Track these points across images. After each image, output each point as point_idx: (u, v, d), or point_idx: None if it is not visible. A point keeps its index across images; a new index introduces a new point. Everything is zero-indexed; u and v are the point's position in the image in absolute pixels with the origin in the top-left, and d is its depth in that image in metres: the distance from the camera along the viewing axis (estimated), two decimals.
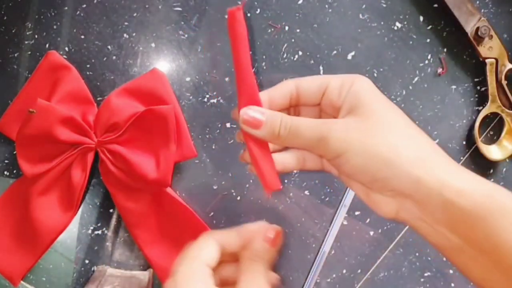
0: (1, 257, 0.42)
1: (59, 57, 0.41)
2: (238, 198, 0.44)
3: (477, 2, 0.43)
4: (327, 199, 0.44)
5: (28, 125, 0.38)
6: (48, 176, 0.40)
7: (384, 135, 0.28)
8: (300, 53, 0.43)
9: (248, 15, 0.42)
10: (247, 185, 0.44)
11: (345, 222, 0.45)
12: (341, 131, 0.28)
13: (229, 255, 0.32)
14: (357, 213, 0.45)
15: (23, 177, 0.42)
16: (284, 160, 0.33)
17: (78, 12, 0.42)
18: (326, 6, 0.43)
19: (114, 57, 0.42)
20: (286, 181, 0.44)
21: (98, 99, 0.43)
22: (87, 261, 0.44)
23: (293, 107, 0.33)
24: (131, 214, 0.41)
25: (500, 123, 0.45)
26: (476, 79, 0.44)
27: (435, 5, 0.43)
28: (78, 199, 0.40)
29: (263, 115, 0.30)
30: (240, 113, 0.30)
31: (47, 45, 0.42)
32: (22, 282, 0.43)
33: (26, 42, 0.42)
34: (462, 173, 0.28)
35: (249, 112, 0.30)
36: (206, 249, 0.31)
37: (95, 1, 0.42)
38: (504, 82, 0.43)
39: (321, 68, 0.43)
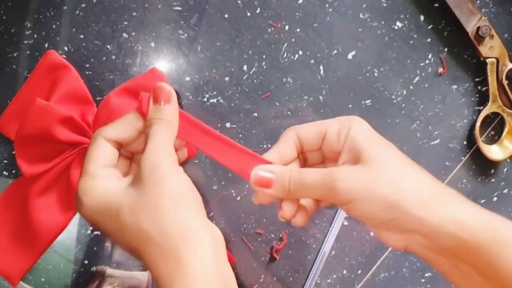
0: (0, 257, 0.42)
1: (58, 57, 0.41)
2: (238, 198, 0.44)
3: (478, 1, 0.43)
4: None
5: (27, 125, 0.38)
6: (47, 176, 0.40)
7: (388, 181, 0.30)
8: (300, 52, 0.43)
9: (248, 14, 0.42)
10: (247, 185, 0.44)
11: (345, 223, 0.45)
12: (347, 181, 0.30)
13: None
14: None
15: (22, 177, 0.42)
16: (306, 204, 0.34)
17: (77, 12, 0.42)
18: (327, 5, 0.43)
19: (113, 57, 0.42)
20: None
21: (98, 98, 0.42)
22: (86, 262, 0.44)
23: (300, 154, 0.35)
24: None
25: (501, 123, 0.44)
26: (477, 79, 0.44)
27: (436, 5, 0.43)
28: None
29: (273, 174, 0.32)
30: (251, 175, 0.32)
31: (46, 45, 0.42)
32: (21, 282, 0.43)
33: (25, 41, 0.42)
34: (464, 206, 0.30)
35: (259, 173, 0.32)
36: (100, 150, 0.32)
37: (94, 1, 0.42)
38: (505, 82, 0.43)
39: (321, 67, 0.43)
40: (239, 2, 0.42)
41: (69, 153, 0.40)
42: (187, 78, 0.43)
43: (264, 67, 0.43)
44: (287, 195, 0.32)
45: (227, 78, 0.43)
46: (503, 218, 0.30)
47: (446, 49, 0.44)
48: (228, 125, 0.43)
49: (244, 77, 0.43)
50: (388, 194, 0.29)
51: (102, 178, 0.31)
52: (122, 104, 0.40)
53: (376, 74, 0.43)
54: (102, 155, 0.32)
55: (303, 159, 0.35)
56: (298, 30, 0.42)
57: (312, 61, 0.43)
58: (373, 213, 0.30)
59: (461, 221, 0.29)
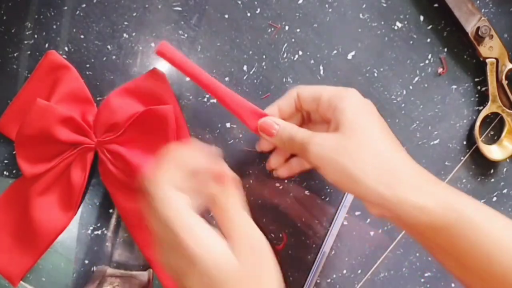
0: (0, 257, 0.42)
1: (58, 57, 0.41)
2: None
3: (478, 1, 0.43)
4: (327, 199, 0.44)
5: (27, 125, 0.38)
6: (48, 176, 0.40)
7: (355, 154, 0.31)
8: (300, 53, 0.43)
9: (248, 14, 0.42)
10: (247, 185, 0.44)
11: (345, 222, 0.45)
12: (318, 147, 0.32)
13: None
14: (357, 213, 0.45)
15: (22, 177, 0.42)
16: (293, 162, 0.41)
17: (77, 12, 0.42)
18: (326, 5, 0.43)
19: (113, 57, 0.42)
20: (286, 181, 0.44)
21: (98, 99, 0.42)
22: (86, 261, 0.44)
23: (303, 111, 0.39)
24: (131, 214, 0.41)
25: (501, 123, 0.45)
26: (476, 79, 0.44)
27: (436, 5, 0.43)
28: (78, 199, 0.40)
29: (278, 126, 0.36)
30: (260, 121, 0.37)
31: (46, 45, 0.42)
32: (21, 282, 0.43)
33: (25, 41, 0.42)
34: (427, 187, 0.31)
35: (268, 121, 0.36)
36: (170, 172, 0.30)
37: (94, 1, 0.42)
38: (504, 82, 0.43)
39: (321, 68, 0.43)
40: (239, 2, 0.42)
41: (69, 153, 0.40)
42: (187, 79, 0.43)
43: (264, 67, 0.43)
44: (282, 146, 0.36)
45: (227, 78, 0.43)
46: (473, 200, 0.31)
47: (445, 49, 0.44)
48: (228, 125, 0.43)
49: (244, 77, 0.43)
50: (351, 167, 0.31)
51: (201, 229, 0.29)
52: (123, 104, 0.40)
53: (375, 74, 0.44)
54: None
55: (307, 116, 0.39)
56: (298, 30, 0.43)
57: (312, 61, 0.43)
58: (338, 182, 0.32)
59: (419, 203, 0.30)
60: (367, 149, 0.31)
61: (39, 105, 0.37)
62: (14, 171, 0.43)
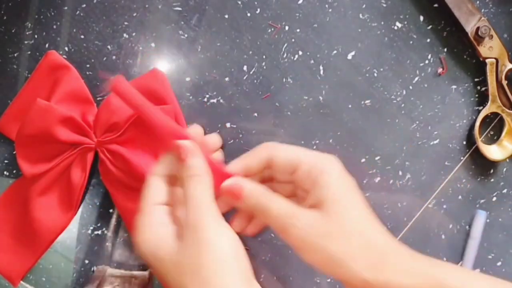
0: (0, 257, 0.42)
1: (58, 57, 0.41)
2: None
3: (477, 2, 0.43)
4: None
5: (28, 125, 0.38)
6: (48, 176, 0.40)
7: (342, 238, 0.30)
8: (300, 53, 0.43)
9: (248, 14, 0.42)
10: None
11: None
12: (301, 231, 0.31)
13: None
14: None
15: (22, 177, 0.42)
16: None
17: (77, 12, 0.42)
18: (326, 6, 0.43)
19: (114, 57, 0.42)
20: None
21: (98, 99, 0.42)
22: (86, 261, 0.44)
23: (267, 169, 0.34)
24: (131, 214, 0.41)
25: (501, 123, 0.45)
26: (476, 79, 0.44)
27: (435, 5, 0.43)
28: (78, 199, 0.40)
29: (245, 190, 0.32)
30: (223, 184, 0.33)
31: (46, 45, 0.42)
32: (21, 282, 0.43)
33: (25, 42, 0.42)
34: (413, 266, 0.31)
35: (233, 184, 0.33)
36: (152, 188, 0.32)
37: (94, 1, 0.42)
38: (504, 82, 0.43)
39: (321, 68, 0.43)
40: (239, 2, 0.42)
41: (69, 153, 0.40)
42: (187, 79, 0.43)
43: (264, 67, 0.43)
44: (249, 211, 0.33)
45: (227, 78, 0.43)
46: (461, 273, 0.31)
47: (445, 50, 0.44)
48: (228, 125, 0.43)
49: (244, 77, 0.43)
50: (337, 252, 0.30)
51: (153, 218, 0.31)
52: (123, 104, 0.40)
53: (375, 74, 0.44)
54: (152, 192, 0.32)
55: (270, 175, 0.35)
56: (298, 30, 0.43)
57: (312, 61, 0.43)
58: (320, 265, 0.31)
59: (408, 283, 0.30)
60: (353, 232, 0.30)
61: (39, 105, 0.37)
62: (14, 171, 0.43)
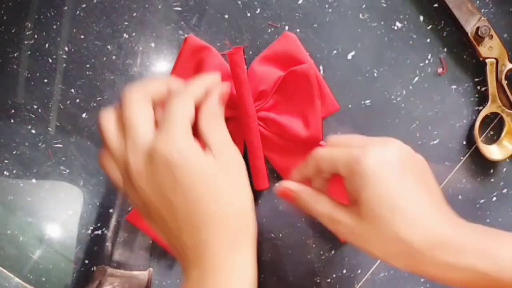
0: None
1: (197, 40, 0.41)
2: None
3: (477, 2, 0.43)
4: None
5: None
6: None
7: (378, 243, 0.31)
8: None
9: (248, 14, 0.42)
10: None
11: None
12: (342, 233, 0.33)
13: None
14: None
15: None
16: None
17: (77, 12, 0.42)
18: (326, 6, 0.43)
19: (114, 57, 0.42)
20: None
21: (98, 99, 0.43)
22: (86, 261, 0.44)
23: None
24: (288, 172, 0.41)
25: (500, 123, 0.45)
26: (476, 79, 0.44)
27: (435, 5, 0.43)
28: None
29: (295, 192, 0.35)
30: (277, 188, 0.37)
31: (46, 45, 0.42)
32: (21, 282, 0.43)
33: (25, 42, 0.42)
34: (457, 263, 0.29)
35: (282, 187, 0.36)
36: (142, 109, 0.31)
37: (94, 1, 0.42)
38: (504, 82, 0.43)
39: (321, 68, 0.43)
40: (239, 2, 0.42)
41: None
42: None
43: None
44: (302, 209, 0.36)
45: None
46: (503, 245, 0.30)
47: (445, 50, 0.44)
48: None
49: None
50: (378, 253, 0.31)
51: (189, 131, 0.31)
52: (266, 72, 0.41)
53: (375, 74, 0.44)
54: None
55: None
56: (298, 30, 0.43)
57: (312, 61, 0.43)
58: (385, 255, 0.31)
59: (451, 278, 0.29)
60: (386, 235, 0.30)
61: None
62: (14, 171, 0.43)
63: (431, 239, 0.29)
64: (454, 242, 0.29)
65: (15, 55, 0.42)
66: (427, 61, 0.44)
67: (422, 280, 0.46)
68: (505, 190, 0.46)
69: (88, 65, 0.42)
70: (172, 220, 0.30)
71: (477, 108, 0.45)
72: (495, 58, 0.43)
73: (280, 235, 0.45)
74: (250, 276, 0.30)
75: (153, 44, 0.43)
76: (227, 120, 0.40)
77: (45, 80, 0.42)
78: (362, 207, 0.30)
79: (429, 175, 0.33)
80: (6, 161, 0.43)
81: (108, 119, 0.32)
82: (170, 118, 0.30)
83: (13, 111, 0.43)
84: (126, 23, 0.42)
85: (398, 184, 0.30)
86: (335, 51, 0.43)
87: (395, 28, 0.43)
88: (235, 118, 0.41)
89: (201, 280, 0.29)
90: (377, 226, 0.30)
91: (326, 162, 0.34)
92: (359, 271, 0.45)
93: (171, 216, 0.30)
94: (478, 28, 0.42)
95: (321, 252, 0.45)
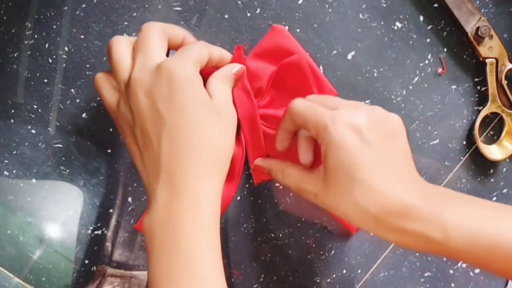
0: None
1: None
2: (238, 198, 0.44)
3: (477, 2, 0.43)
4: None
5: None
6: None
7: (342, 206, 0.32)
8: None
9: (248, 14, 0.42)
10: (247, 185, 0.44)
11: None
12: (309, 197, 0.35)
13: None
14: None
15: None
16: None
17: (77, 12, 0.42)
18: (326, 6, 0.43)
19: None
20: None
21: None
22: (86, 261, 0.44)
23: None
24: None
25: (500, 123, 0.45)
26: (476, 79, 0.44)
27: (435, 5, 0.43)
28: (239, 171, 0.41)
29: (265, 168, 0.40)
30: (253, 166, 0.41)
31: (46, 45, 0.42)
32: (21, 282, 0.43)
33: (25, 42, 0.42)
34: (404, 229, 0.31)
35: (256, 162, 0.41)
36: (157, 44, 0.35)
37: (94, 1, 0.42)
38: (504, 82, 0.43)
39: (321, 68, 0.43)
40: (239, 2, 0.42)
41: None
42: None
43: None
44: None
45: None
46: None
47: (445, 49, 0.44)
48: None
49: None
50: (345, 213, 0.33)
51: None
52: (259, 68, 0.41)
53: (375, 74, 0.44)
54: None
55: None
56: (298, 30, 0.43)
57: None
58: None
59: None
60: (350, 205, 0.32)
61: None
62: (14, 171, 0.43)
63: (386, 207, 0.31)
64: (409, 209, 0.30)
65: (15, 55, 0.42)
66: (427, 61, 0.44)
67: (422, 280, 0.46)
68: (505, 190, 0.46)
69: (88, 65, 0.42)
70: (156, 138, 0.32)
71: (477, 108, 0.45)
72: (495, 58, 0.43)
73: (280, 235, 0.45)
74: (215, 205, 0.32)
75: None
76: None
77: (45, 80, 0.42)
78: (326, 174, 0.32)
79: (399, 137, 0.33)
80: (6, 161, 0.43)
81: (120, 40, 0.35)
82: (185, 51, 0.33)
83: (13, 111, 0.43)
84: (126, 23, 0.42)
85: (360, 153, 0.31)
86: (335, 51, 0.43)
87: (395, 28, 0.43)
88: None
89: (171, 201, 0.31)
90: (339, 193, 0.32)
91: (299, 118, 0.34)
92: (359, 271, 0.46)
93: (156, 134, 0.32)
94: (478, 28, 0.42)
95: (321, 252, 0.45)
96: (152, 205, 0.32)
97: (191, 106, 0.32)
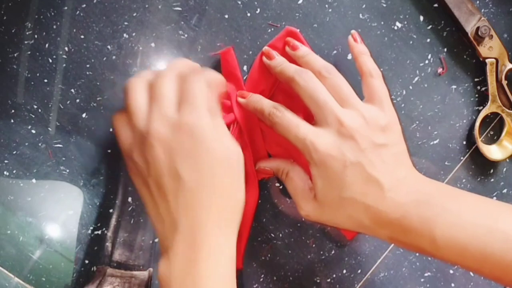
0: None
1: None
2: None
3: (477, 2, 0.43)
4: None
5: None
6: None
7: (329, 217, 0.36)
8: None
9: (248, 14, 0.42)
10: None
11: None
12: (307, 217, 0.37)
13: None
14: None
15: None
16: None
17: (77, 12, 0.42)
18: (326, 6, 0.43)
19: (114, 57, 0.42)
20: None
21: (98, 99, 0.43)
22: (87, 261, 0.44)
23: None
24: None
25: (500, 123, 0.45)
26: (476, 79, 0.44)
27: (435, 5, 0.43)
28: (252, 170, 0.41)
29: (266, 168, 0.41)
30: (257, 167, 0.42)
31: (46, 45, 0.42)
32: (21, 282, 0.43)
33: (25, 42, 0.42)
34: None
35: (261, 164, 0.42)
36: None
37: (94, 1, 0.42)
38: (504, 82, 0.43)
39: None
40: (239, 2, 0.42)
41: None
42: None
43: None
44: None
45: None
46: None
47: (445, 49, 0.44)
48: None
49: (245, 77, 0.43)
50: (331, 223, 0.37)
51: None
52: (263, 70, 0.41)
53: None
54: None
55: None
56: (298, 30, 0.43)
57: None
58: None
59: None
60: (343, 220, 0.36)
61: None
62: (14, 171, 0.43)
63: (378, 221, 0.34)
64: (400, 223, 0.33)
65: (15, 55, 0.42)
66: (427, 61, 0.44)
67: (422, 280, 0.46)
68: (505, 190, 0.46)
69: (88, 65, 0.42)
70: (173, 194, 0.31)
71: (477, 108, 0.45)
72: (495, 58, 0.43)
73: (280, 235, 0.45)
74: (231, 254, 0.33)
75: (153, 44, 0.43)
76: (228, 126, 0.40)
77: (45, 80, 0.42)
78: (316, 193, 0.35)
79: (389, 143, 0.35)
80: (6, 161, 0.43)
81: (138, 84, 0.34)
82: (195, 98, 0.33)
83: (13, 111, 0.43)
84: (126, 23, 0.42)
85: (343, 173, 0.34)
86: (335, 51, 0.43)
87: (395, 28, 0.43)
88: (237, 120, 0.40)
89: (190, 253, 0.31)
90: (332, 210, 0.35)
91: (281, 133, 0.36)
92: (359, 271, 0.45)
93: (173, 190, 0.31)
94: (478, 28, 0.42)
95: (321, 252, 0.45)
96: (170, 255, 0.32)
97: (210, 166, 0.32)
